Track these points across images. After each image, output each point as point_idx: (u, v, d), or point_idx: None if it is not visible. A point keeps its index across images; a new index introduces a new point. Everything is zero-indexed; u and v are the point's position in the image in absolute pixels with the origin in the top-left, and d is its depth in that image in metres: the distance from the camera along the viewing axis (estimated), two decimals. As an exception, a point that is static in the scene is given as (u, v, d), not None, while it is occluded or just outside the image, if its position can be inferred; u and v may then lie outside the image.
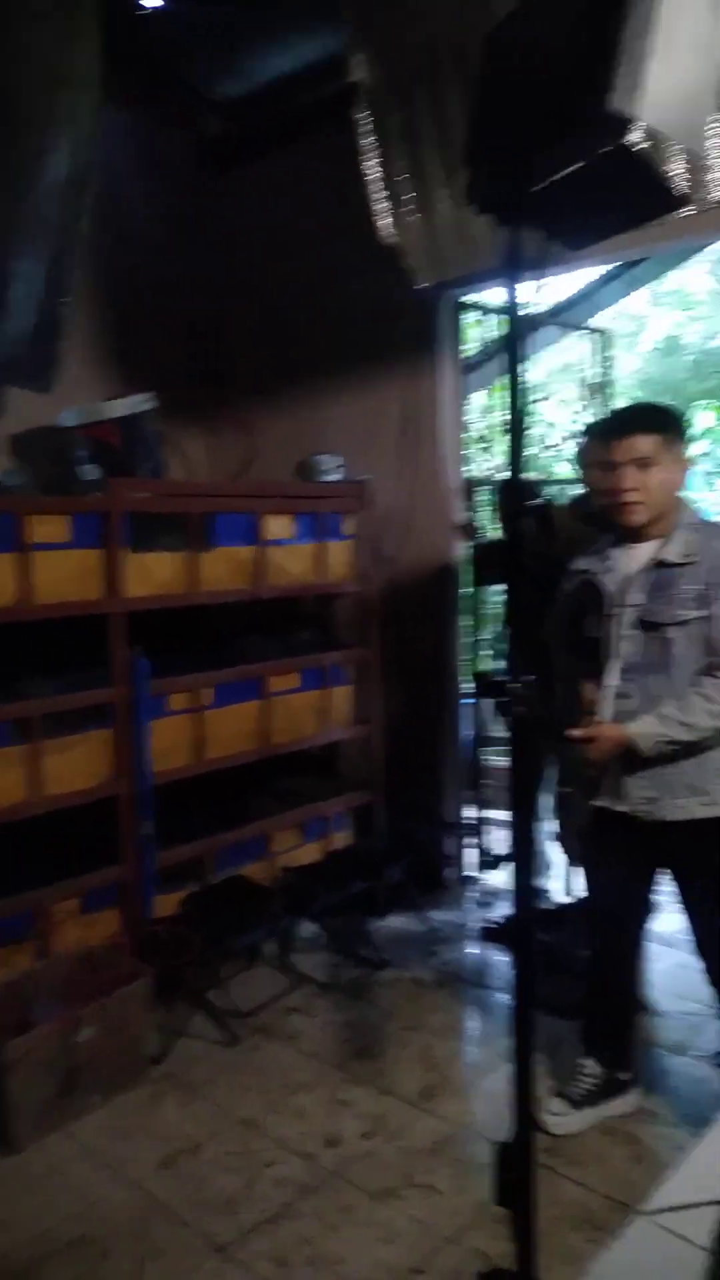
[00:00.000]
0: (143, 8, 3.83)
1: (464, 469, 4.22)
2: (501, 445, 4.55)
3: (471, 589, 4.25)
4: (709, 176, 2.74)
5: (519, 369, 1.51)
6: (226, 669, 3.62)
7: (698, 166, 2.73)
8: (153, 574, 3.33)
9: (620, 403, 5.47)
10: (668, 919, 3.36)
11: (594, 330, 4.84)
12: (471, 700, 4.35)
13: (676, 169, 2.68)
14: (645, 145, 1.29)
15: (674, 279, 8.78)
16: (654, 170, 1.38)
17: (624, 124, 1.21)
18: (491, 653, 4.43)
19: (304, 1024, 3.16)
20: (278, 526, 3.75)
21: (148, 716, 3.25)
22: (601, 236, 1.45)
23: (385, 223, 3.32)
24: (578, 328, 4.74)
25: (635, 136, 1.25)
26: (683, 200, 1.49)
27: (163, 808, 3.30)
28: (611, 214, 1.39)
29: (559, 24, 1.28)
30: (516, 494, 1.69)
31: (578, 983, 2.78)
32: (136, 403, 3.69)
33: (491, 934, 3.76)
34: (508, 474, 1.59)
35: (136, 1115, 2.70)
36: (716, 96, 1.30)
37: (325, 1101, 2.73)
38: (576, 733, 2.37)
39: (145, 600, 3.29)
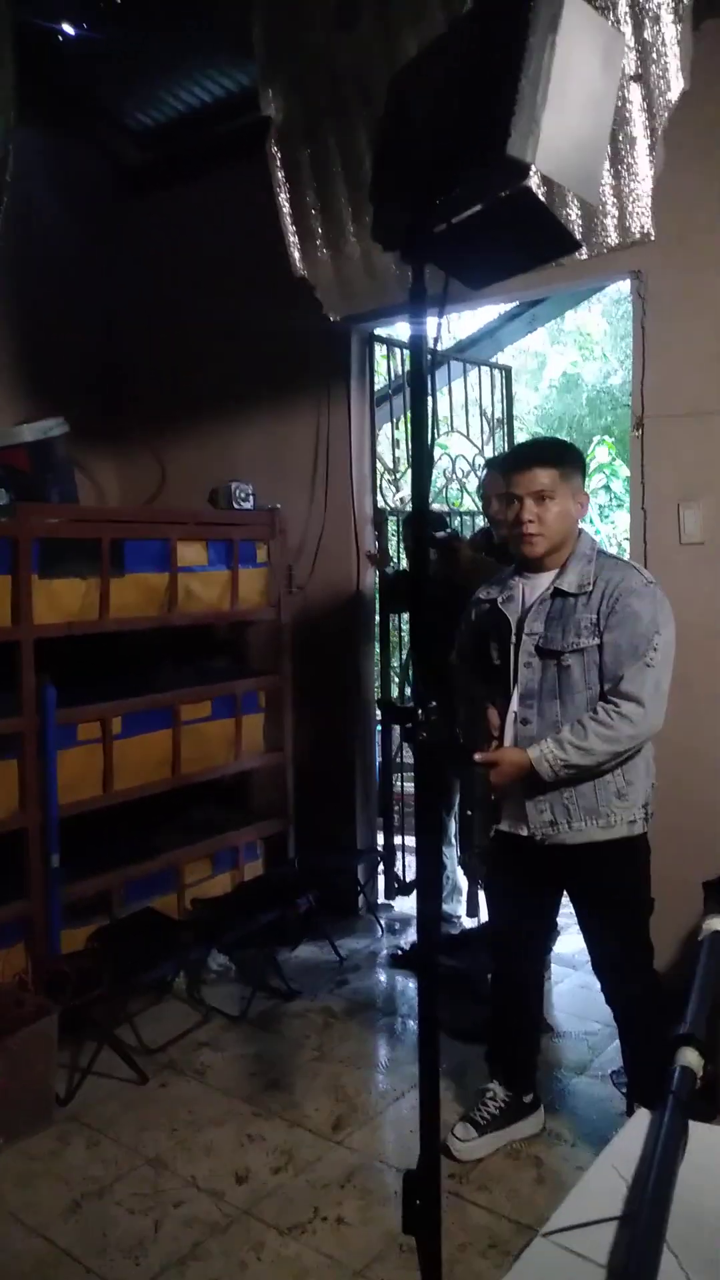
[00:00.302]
0: (62, 34, 3.85)
1: (374, 499, 4.28)
2: (408, 476, 4.64)
3: (379, 617, 4.30)
4: (603, 222, 2.87)
5: (424, 403, 1.55)
6: (136, 698, 3.57)
7: (591, 213, 2.86)
8: (62, 601, 3.28)
9: (521, 437, 5.65)
10: (568, 940, 3.44)
11: (496, 366, 4.98)
12: (380, 727, 4.40)
13: (572, 215, 2.80)
14: (541, 190, 1.35)
15: (572, 319, 9.15)
16: (549, 214, 1.45)
17: (521, 169, 1.27)
18: (398, 680, 4.49)
19: (213, 1058, 3.11)
20: (191, 553, 3.73)
21: (55, 746, 3.18)
22: (501, 276, 1.51)
23: (296, 256, 3.37)
24: (481, 363, 4.88)
25: (531, 181, 1.31)
26: (577, 244, 1.56)
27: (70, 840, 3.23)
28: (510, 254, 1.45)
29: (459, 72, 1.34)
30: (421, 525, 1.72)
31: (482, 1007, 2.82)
32: (47, 427, 3.66)
33: (399, 960, 3.78)
34: (413, 505, 1.63)
35: (41, 1159, 2.61)
36: (607, 148, 1.37)
37: (234, 1137, 2.69)
38: (480, 757, 2.42)
39: (54, 627, 3.24)
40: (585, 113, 1.31)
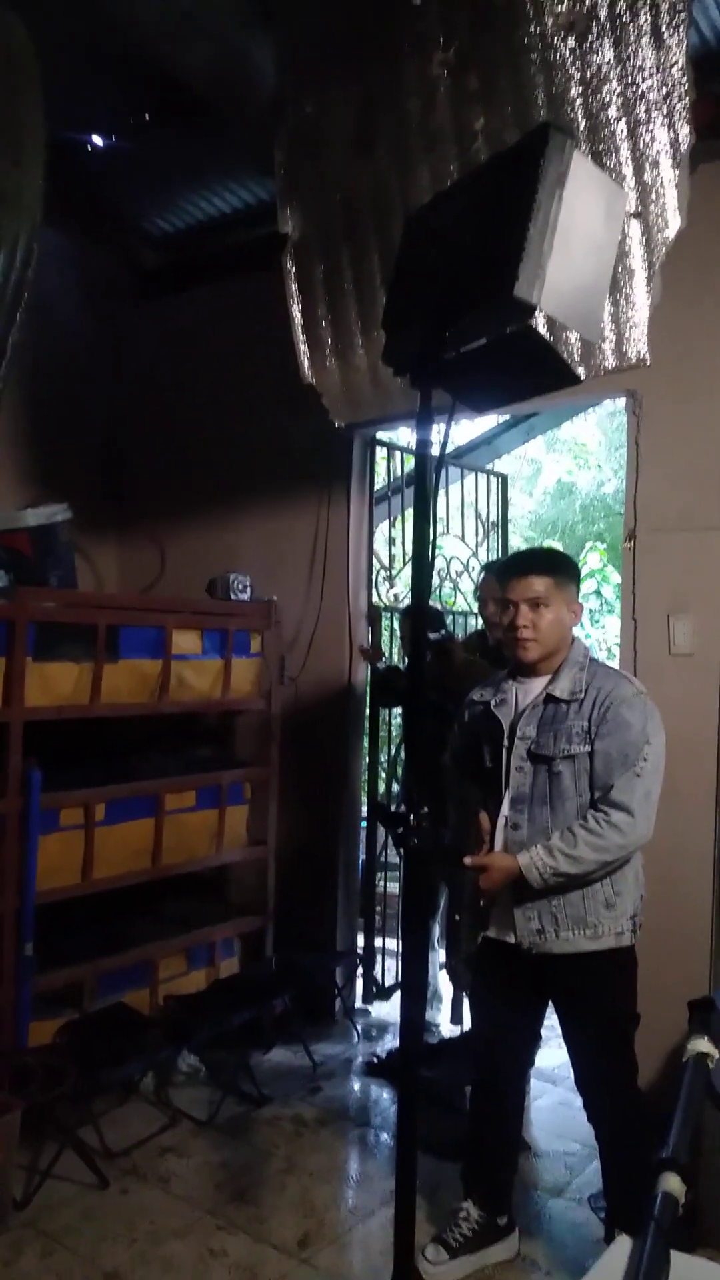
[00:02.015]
0: (91, 144, 4.06)
1: (369, 595, 4.34)
2: (406, 575, 4.73)
3: (369, 713, 4.32)
4: (601, 347, 3.00)
5: (427, 516, 1.61)
6: (121, 784, 3.55)
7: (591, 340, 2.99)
8: (54, 684, 3.29)
9: (516, 541, 5.77)
10: (548, 1054, 3.37)
11: (493, 473, 5.13)
12: (365, 824, 4.37)
13: (572, 339, 2.93)
14: (545, 329, 1.43)
15: (568, 429, 9.43)
16: (552, 350, 1.53)
17: (526, 310, 1.35)
18: (385, 777, 4.48)
19: (178, 1165, 3.00)
20: (185, 641, 3.77)
21: (38, 831, 3.15)
22: (503, 403, 1.59)
23: (305, 364, 3.50)
24: (478, 470, 5.02)
25: (536, 321, 1.39)
26: (577, 378, 1.64)
27: (42, 927, 3.17)
28: (512, 384, 1.53)
29: (472, 217, 1.43)
30: (421, 628, 1.76)
31: (459, 1120, 2.74)
32: (51, 513, 3.73)
33: (375, 1069, 3.68)
34: (412, 607, 1.67)
35: (-9, 1268, 2.50)
36: (608, 291, 1.45)
37: (196, 1250, 2.58)
38: (470, 861, 2.41)
39: (45, 710, 3.24)
40: (587, 259, 1.39)
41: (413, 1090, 1.68)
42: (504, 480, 5.17)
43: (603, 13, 2.72)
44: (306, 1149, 3.12)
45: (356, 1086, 3.60)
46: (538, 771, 2.42)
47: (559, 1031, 2.54)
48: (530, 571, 2.45)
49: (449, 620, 4.81)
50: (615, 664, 3.32)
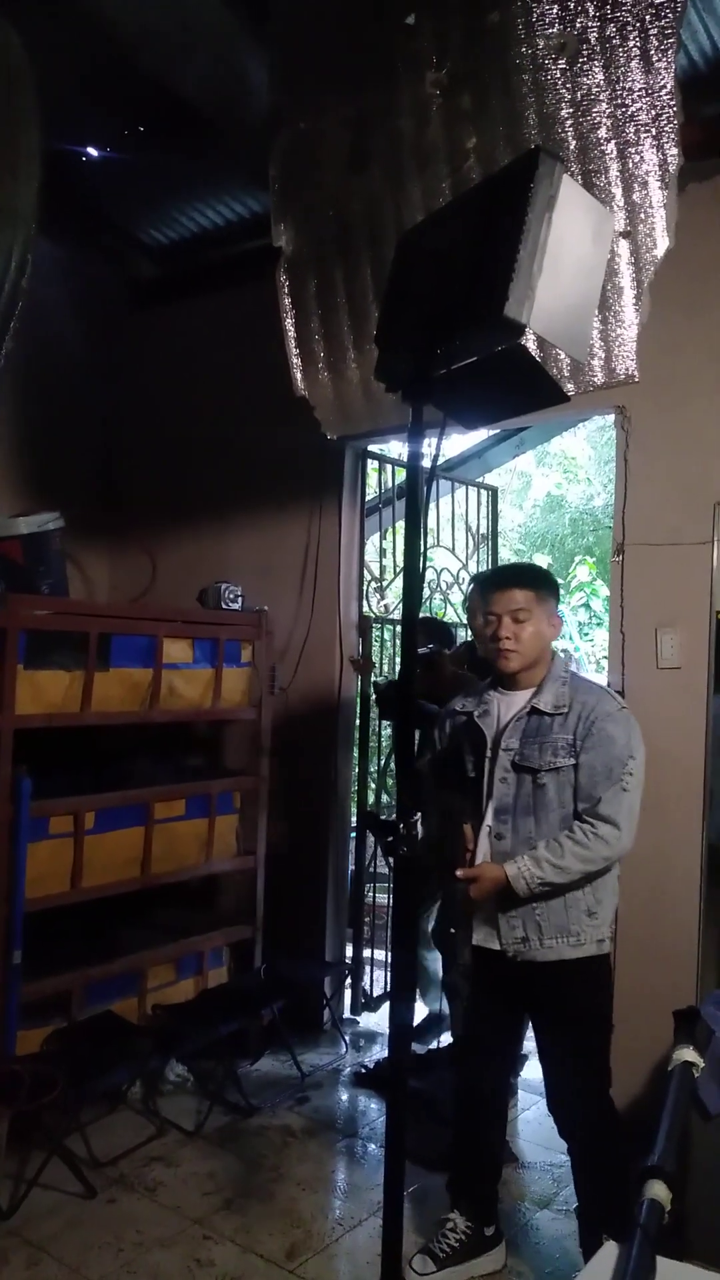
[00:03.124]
0: (86, 155, 4.09)
1: (359, 606, 4.36)
2: (397, 587, 4.76)
3: (359, 723, 4.34)
4: (590, 363, 3.04)
5: (418, 524, 1.63)
6: (111, 793, 3.56)
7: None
8: (45, 692, 3.30)
9: (506, 554, 5.80)
10: (536, 1067, 3.38)
11: (484, 487, 5.17)
12: (355, 835, 4.38)
13: (562, 356, 2.97)
14: (534, 348, 1.45)
15: (557, 443, 9.49)
16: (541, 369, 1.56)
17: (516, 329, 1.38)
18: (374, 787, 4.49)
19: (165, 1174, 3.00)
20: (176, 650, 3.78)
21: (27, 838, 3.15)
22: (493, 419, 1.62)
23: (297, 377, 3.53)
24: (469, 483, 5.06)
25: (526, 340, 1.42)
26: (565, 397, 1.67)
27: (32, 936, 3.17)
28: (502, 401, 1.56)
29: (464, 238, 1.47)
30: (411, 636, 1.77)
31: (446, 1131, 2.75)
32: (43, 521, 3.73)
33: (363, 1079, 3.69)
34: (404, 615, 1.69)
35: (-24, 1278, 2.50)
36: (596, 311, 1.49)
37: (183, 1261, 2.58)
38: (462, 873, 2.44)
39: (35, 718, 3.25)
40: (576, 281, 1.43)
41: (402, 1100, 1.70)
42: (494, 493, 5.20)
43: (593, 36, 2.77)
44: (294, 1159, 3.12)
45: (344, 1097, 3.61)
46: (521, 782, 2.45)
47: (535, 1042, 2.56)
48: (512, 585, 2.50)
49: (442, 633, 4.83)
50: (604, 677, 3.35)
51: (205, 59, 3.45)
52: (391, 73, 3.09)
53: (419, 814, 1.66)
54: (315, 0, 3.22)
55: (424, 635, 3.72)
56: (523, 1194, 2.97)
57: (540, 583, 2.54)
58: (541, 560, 9.27)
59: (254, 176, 3.86)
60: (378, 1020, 4.28)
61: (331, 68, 3.26)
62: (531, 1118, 3.43)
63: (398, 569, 4.71)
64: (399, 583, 4.74)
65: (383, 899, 4.69)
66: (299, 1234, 2.72)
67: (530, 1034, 2.66)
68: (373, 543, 4.70)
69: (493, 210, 1.42)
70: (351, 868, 4.34)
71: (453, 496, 4.95)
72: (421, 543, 1.66)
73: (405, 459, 4.79)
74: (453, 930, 3.50)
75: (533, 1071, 3.48)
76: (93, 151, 4.13)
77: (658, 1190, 1.46)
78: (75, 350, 4.77)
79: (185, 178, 4.37)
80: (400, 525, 4.88)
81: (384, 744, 4.70)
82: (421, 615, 4.34)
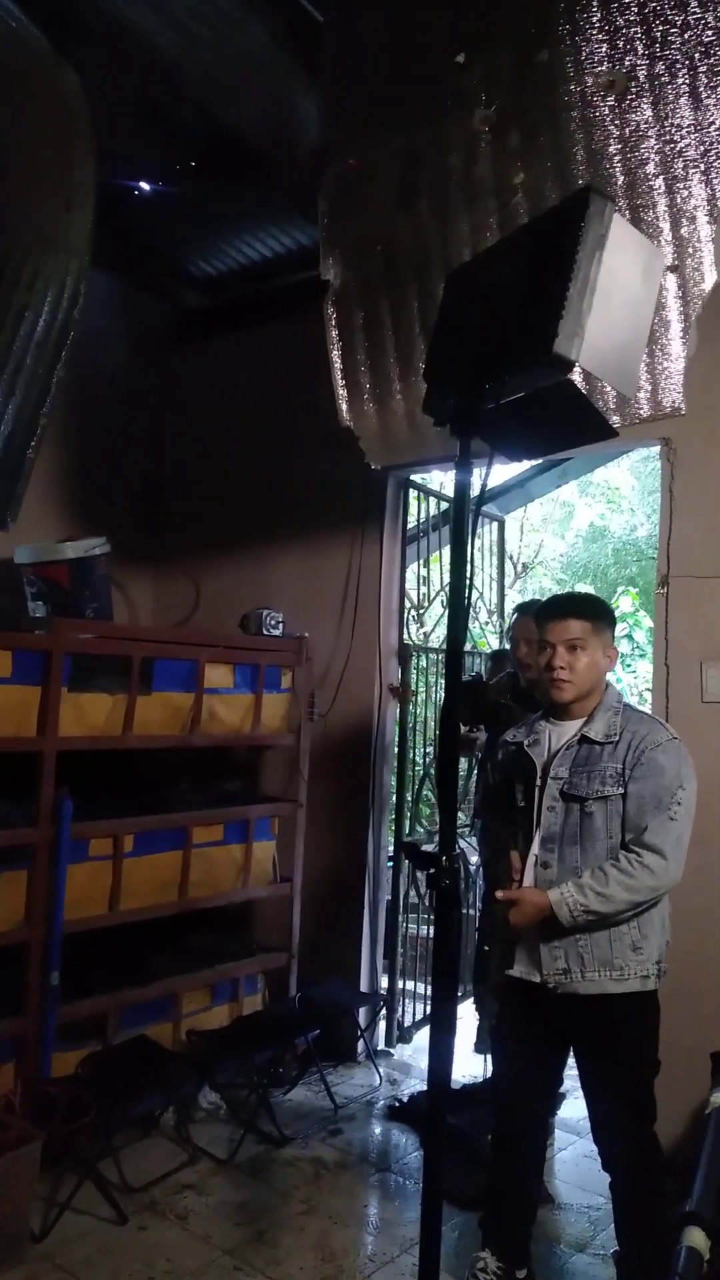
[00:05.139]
0: (138, 190, 4.19)
1: (400, 634, 4.37)
2: (434, 614, 4.76)
3: (398, 751, 4.33)
4: (636, 396, 3.04)
5: (464, 555, 1.64)
6: (150, 816, 3.58)
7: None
8: (88, 715, 3.34)
9: (546, 584, 5.79)
10: (573, 1105, 3.32)
11: (493, 518, 5.23)
12: (392, 865, 4.35)
13: (608, 389, 2.97)
14: (580, 381, 1.46)
15: (601, 473, 9.46)
16: (590, 404, 1.57)
17: (565, 365, 1.38)
18: (410, 815, 4.46)
19: (197, 1203, 2.98)
20: (217, 675, 3.81)
21: (68, 860, 3.18)
22: (540, 454, 1.63)
23: (343, 408, 3.57)
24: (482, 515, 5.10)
25: (574, 377, 1.42)
26: (614, 432, 1.67)
27: (69, 958, 3.19)
28: (550, 436, 1.57)
29: (514, 276, 1.48)
30: (455, 665, 1.76)
31: (481, 1169, 2.71)
32: (89, 546, 3.79)
33: (397, 1113, 3.64)
34: (448, 644, 1.69)
35: (7, 1301, 2.50)
36: (645, 348, 1.49)
37: (213, 1292, 2.57)
38: (501, 894, 2.42)
39: (77, 740, 3.29)
40: (625, 317, 1.43)
41: (438, 1136, 1.68)
42: (501, 524, 5.29)
43: (642, 73, 2.79)
44: (326, 1191, 3.09)
45: (378, 1130, 3.57)
46: (569, 811, 2.43)
47: (579, 1075, 2.51)
48: (569, 615, 2.48)
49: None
50: (648, 709, 3.31)
51: (256, 95, 3.53)
52: (440, 109, 3.13)
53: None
54: (366, 37, 3.28)
55: (496, 666, 3.74)
56: (558, 1236, 2.91)
57: (597, 613, 2.52)
58: (581, 590, 9.22)
59: (302, 210, 3.93)
60: (412, 1052, 4.24)
61: (381, 104, 3.31)
62: (568, 1158, 3.37)
63: (435, 597, 4.72)
64: (434, 610, 4.74)
65: (414, 930, 4.65)
66: (330, 1269, 2.69)
67: (570, 1067, 2.60)
68: (411, 571, 4.71)
69: (543, 248, 1.43)
70: (388, 897, 4.32)
71: (494, 526, 4.96)
72: (467, 572, 1.67)
73: (446, 489, 4.82)
74: (486, 948, 3.47)
75: (570, 1111, 3.43)
76: (145, 185, 4.23)
77: (696, 1238, 1.42)
78: (123, 379, 4.87)
79: (234, 211, 4.45)
80: (437, 555, 4.90)
81: (419, 772, 4.68)
82: (496, 649, 4.36)
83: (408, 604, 4.47)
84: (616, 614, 3.02)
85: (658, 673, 3.45)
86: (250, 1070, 3.48)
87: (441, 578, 4.85)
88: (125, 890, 3.44)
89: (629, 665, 8.28)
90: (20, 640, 3.17)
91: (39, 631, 3.28)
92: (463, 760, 4.13)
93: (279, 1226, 2.88)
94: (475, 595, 4.96)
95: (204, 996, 3.83)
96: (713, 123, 2.75)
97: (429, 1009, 4.21)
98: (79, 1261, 2.65)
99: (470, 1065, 3.91)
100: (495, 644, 4.84)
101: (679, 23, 2.68)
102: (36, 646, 3.17)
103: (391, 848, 4.36)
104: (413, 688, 4.37)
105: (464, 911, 3.94)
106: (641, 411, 3.07)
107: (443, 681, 4.22)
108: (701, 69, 2.70)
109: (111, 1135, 3.06)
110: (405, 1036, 4.32)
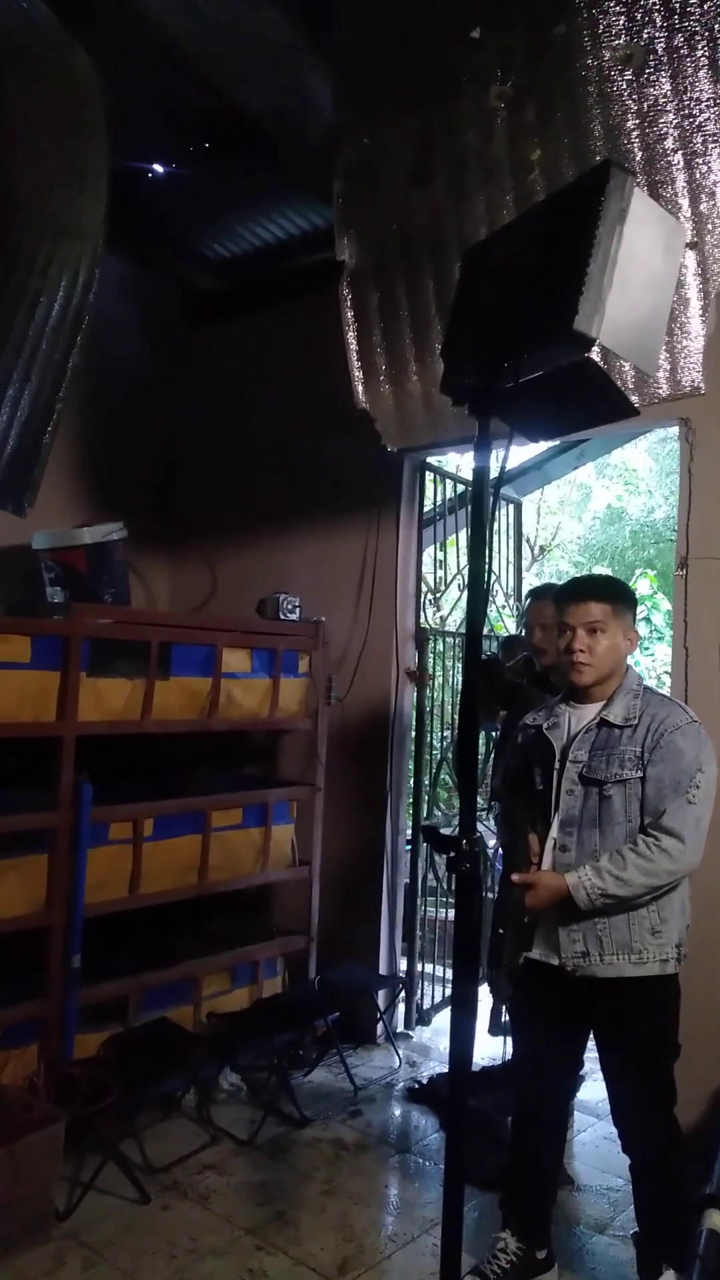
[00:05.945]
0: (151, 172, 4.16)
1: (416, 618, 4.36)
2: (447, 597, 4.74)
3: (415, 734, 4.32)
4: (655, 375, 3.01)
5: (483, 538, 1.63)
6: (169, 800, 3.59)
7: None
8: (107, 700, 3.35)
9: (564, 567, 5.76)
10: (592, 1087, 3.33)
11: (509, 501, 5.19)
12: (410, 848, 4.36)
13: (626, 368, 2.94)
14: (602, 362, 1.44)
15: (618, 455, 9.38)
16: (611, 382, 1.55)
17: (585, 342, 1.37)
18: (428, 798, 4.46)
19: (218, 1183, 3.01)
20: (235, 660, 3.81)
21: (88, 844, 3.20)
22: (560, 433, 1.61)
23: (359, 390, 3.55)
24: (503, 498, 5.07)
25: (594, 354, 1.40)
26: (635, 410, 1.65)
27: (90, 941, 3.21)
28: (570, 414, 1.55)
29: (532, 252, 1.46)
30: (474, 648, 1.75)
31: (501, 1151, 2.72)
32: (107, 531, 3.80)
33: (416, 1094, 3.66)
34: (467, 628, 1.67)
35: (34, 1279, 2.52)
36: (665, 325, 1.47)
37: (235, 1271, 2.59)
38: (518, 877, 2.42)
39: (97, 725, 3.30)
40: (646, 294, 1.41)
41: (460, 1120, 1.68)
42: (518, 507, 5.25)
43: (660, 46, 2.74)
44: (346, 1172, 3.11)
45: (397, 1112, 3.58)
46: (588, 794, 2.42)
47: (599, 1058, 2.51)
48: (589, 597, 2.46)
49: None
50: (666, 692, 3.29)
51: (269, 75, 3.49)
52: (455, 86, 3.09)
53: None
54: (378, 15, 3.24)
55: (509, 653, 3.72)
56: (578, 1217, 2.92)
57: (618, 595, 2.50)
58: (600, 572, 9.16)
59: (316, 191, 3.90)
60: (430, 1034, 4.25)
61: (395, 82, 3.27)
62: (588, 1139, 3.37)
63: (452, 580, 4.70)
64: (450, 594, 4.73)
65: (433, 913, 4.66)
66: (351, 1248, 2.71)
67: (591, 1049, 2.59)
68: (428, 554, 4.69)
69: (562, 223, 1.41)
70: (406, 880, 4.33)
71: (510, 508, 4.93)
72: (486, 555, 1.66)
73: (462, 471, 4.79)
74: (500, 930, 3.47)
75: (589, 1093, 3.43)
76: (158, 168, 4.19)
77: (717, 1221, 1.43)
78: (136, 364, 4.86)
79: (247, 192, 4.41)
80: (454, 538, 4.88)
81: (435, 755, 4.68)
82: (509, 635, 4.34)
83: (424, 588, 4.46)
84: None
85: (677, 655, 3.42)
86: (270, 1052, 3.50)
87: (458, 561, 4.83)
88: (145, 874, 3.46)
89: (647, 648, 8.23)
90: (39, 626, 3.19)
91: (57, 617, 3.30)
92: (480, 744, 4.12)
93: (300, 1207, 2.90)
94: (493, 578, 4.93)
95: (224, 979, 3.85)
96: (733, 95, 2.70)
97: (449, 992, 4.24)
98: (103, 1240, 2.68)
99: (488, 1047, 3.92)
100: (513, 628, 4.82)
101: (699, -7, 2.63)
102: (55, 632, 3.18)
103: (409, 831, 4.36)
104: (430, 671, 4.36)
105: (483, 895, 3.93)
106: (660, 391, 3.03)
107: (459, 665, 4.22)
108: (722, 40, 2.66)
109: (134, 1116, 3.09)
110: (424, 1019, 4.34)
